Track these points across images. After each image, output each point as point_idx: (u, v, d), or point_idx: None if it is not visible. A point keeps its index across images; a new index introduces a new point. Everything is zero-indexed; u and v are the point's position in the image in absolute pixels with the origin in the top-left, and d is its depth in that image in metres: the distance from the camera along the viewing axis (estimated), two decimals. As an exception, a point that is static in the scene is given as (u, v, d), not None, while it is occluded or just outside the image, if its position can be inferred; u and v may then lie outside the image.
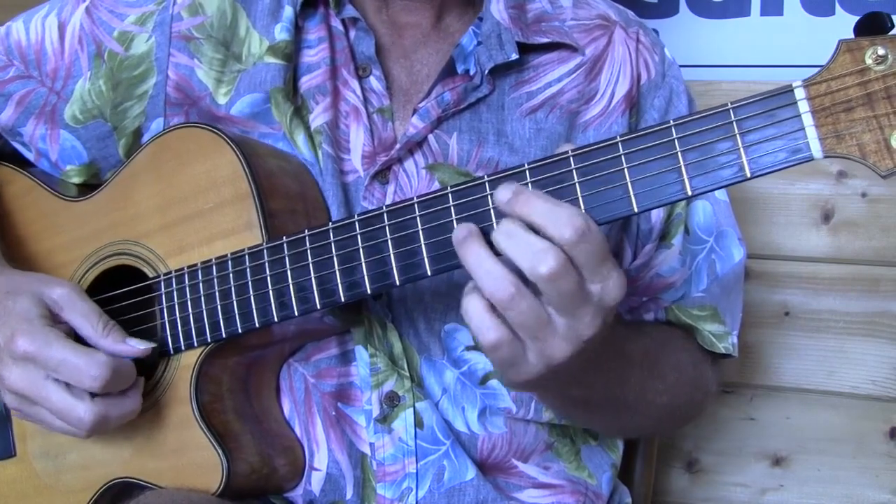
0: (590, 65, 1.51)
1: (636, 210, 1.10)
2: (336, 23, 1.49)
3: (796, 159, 1.04)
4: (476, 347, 1.43)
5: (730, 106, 1.06)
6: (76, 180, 1.57)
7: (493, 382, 1.45)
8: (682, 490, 2.15)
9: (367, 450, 1.42)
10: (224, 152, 1.36)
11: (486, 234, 1.11)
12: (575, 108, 1.49)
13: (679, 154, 1.08)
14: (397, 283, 1.21)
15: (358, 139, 1.45)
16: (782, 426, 2.07)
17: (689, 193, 1.08)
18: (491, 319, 1.11)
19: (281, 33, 1.46)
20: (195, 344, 1.36)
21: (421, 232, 1.19)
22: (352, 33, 1.49)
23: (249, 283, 1.31)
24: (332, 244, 1.25)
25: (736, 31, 2.05)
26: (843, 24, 1.95)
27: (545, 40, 1.49)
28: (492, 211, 1.15)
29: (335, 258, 1.24)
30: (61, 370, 1.28)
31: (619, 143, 1.10)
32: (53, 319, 1.34)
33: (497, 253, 1.10)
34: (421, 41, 1.50)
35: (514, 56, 1.44)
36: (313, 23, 1.49)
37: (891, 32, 1.02)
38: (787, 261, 2.04)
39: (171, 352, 1.38)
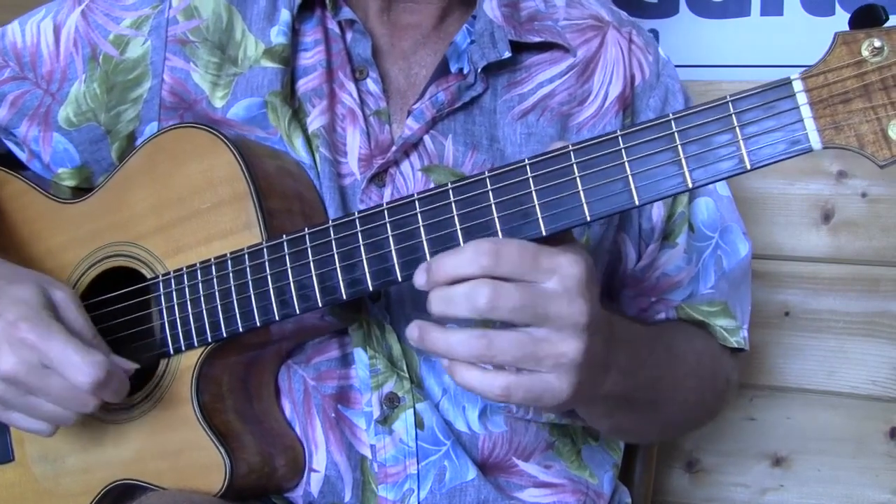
0: (581, 66, 1.51)
1: (637, 203, 1.10)
2: (332, 25, 1.49)
3: (795, 151, 1.04)
4: None
5: (728, 99, 1.06)
6: (69, 183, 1.57)
7: None
8: (682, 490, 2.15)
9: (366, 452, 1.42)
10: (221, 152, 1.35)
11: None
12: (566, 110, 1.49)
13: (679, 147, 1.08)
14: (399, 279, 1.21)
15: (354, 142, 1.45)
16: (783, 426, 2.07)
17: (690, 186, 1.08)
18: (489, 376, 1.12)
19: (277, 36, 1.46)
20: (195, 344, 1.36)
21: (422, 228, 1.19)
22: (348, 36, 1.49)
23: (250, 282, 1.31)
24: (333, 242, 1.25)
25: (736, 31, 2.05)
26: (843, 23, 1.94)
27: (538, 39, 1.49)
28: (493, 206, 1.15)
29: (336, 255, 1.24)
30: (57, 363, 1.26)
31: (619, 137, 1.10)
32: (55, 315, 1.33)
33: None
34: (420, 42, 1.50)
35: (507, 54, 1.45)
36: (309, 25, 1.49)
37: (886, 24, 1.03)
38: (787, 261, 2.04)
39: (171, 352, 1.38)
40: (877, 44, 1.02)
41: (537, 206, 1.13)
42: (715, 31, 2.06)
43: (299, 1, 1.48)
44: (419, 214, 1.19)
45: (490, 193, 1.15)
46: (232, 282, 1.32)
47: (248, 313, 1.31)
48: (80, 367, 1.25)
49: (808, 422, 2.06)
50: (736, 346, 1.58)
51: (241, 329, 1.32)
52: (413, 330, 1.15)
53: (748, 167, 1.06)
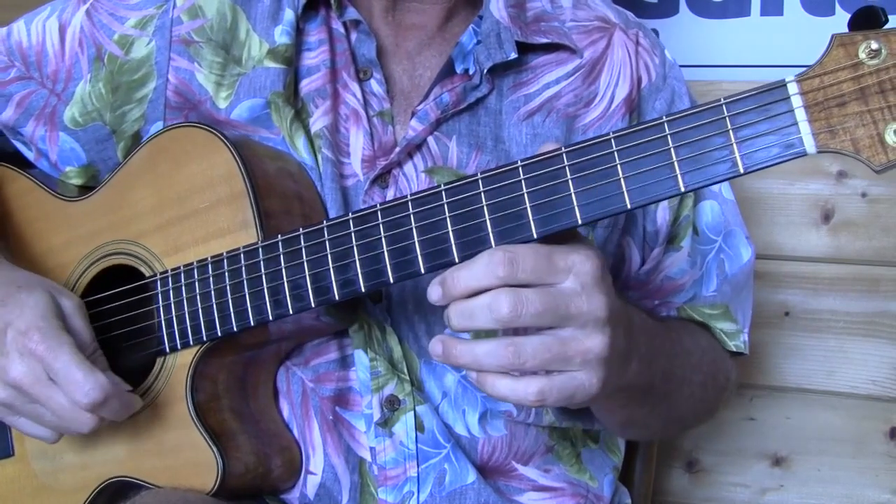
0: (588, 68, 1.50)
1: (629, 206, 1.09)
2: (337, 25, 1.49)
3: (789, 154, 1.04)
4: None
5: (722, 101, 1.06)
6: (76, 181, 1.57)
7: None
8: (682, 490, 2.15)
9: (365, 454, 1.41)
10: (220, 151, 1.35)
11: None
12: (572, 111, 1.48)
13: (672, 150, 1.07)
14: (391, 280, 1.21)
15: (358, 143, 1.45)
16: (782, 426, 2.06)
17: (682, 189, 1.07)
18: (521, 383, 1.13)
19: (281, 36, 1.46)
20: (191, 343, 1.36)
21: (415, 230, 1.18)
22: (353, 36, 1.49)
23: (245, 281, 1.31)
24: (327, 242, 1.24)
25: (736, 31, 2.05)
26: (843, 24, 1.94)
27: (544, 40, 1.48)
28: (485, 208, 1.15)
29: (329, 256, 1.24)
30: (61, 378, 1.27)
31: (612, 140, 1.10)
32: (64, 325, 1.33)
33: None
34: (425, 43, 1.50)
35: (513, 55, 1.44)
36: (314, 25, 1.49)
37: (885, 27, 1.02)
38: (787, 261, 2.03)
39: (168, 351, 1.38)
40: (874, 46, 1.01)
41: (529, 209, 1.13)
42: (715, 31, 2.05)
43: (304, 1, 1.47)
44: (412, 216, 1.19)
45: (482, 195, 1.15)
46: (227, 281, 1.32)
47: (243, 313, 1.31)
48: (80, 385, 1.26)
49: (808, 422, 2.06)
50: (735, 350, 1.58)
51: (235, 328, 1.32)
52: (436, 346, 1.16)
53: (741, 171, 1.05)
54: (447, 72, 1.46)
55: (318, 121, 1.44)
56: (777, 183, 2.01)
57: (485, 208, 1.15)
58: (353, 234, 1.22)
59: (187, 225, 1.38)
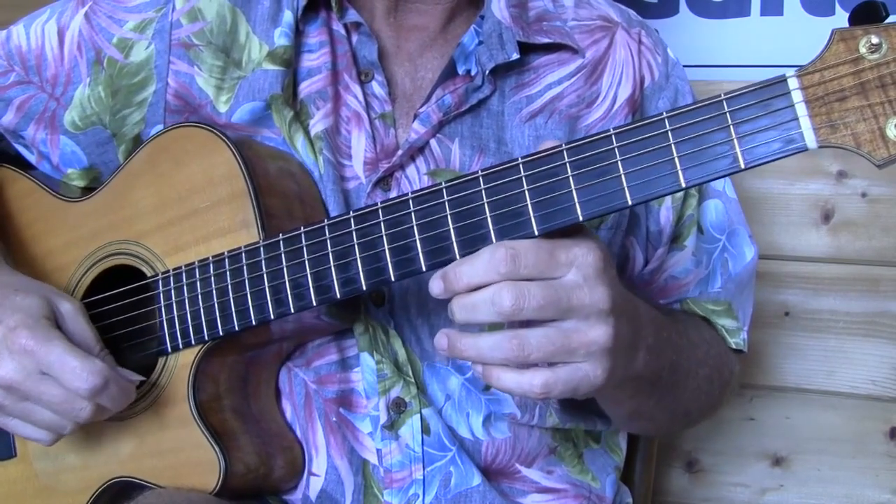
0: (590, 68, 1.50)
1: (630, 202, 1.09)
2: (338, 27, 1.48)
3: (790, 149, 1.04)
4: None
5: (723, 97, 1.06)
6: (78, 183, 1.57)
7: None
8: (682, 490, 2.14)
9: (369, 456, 1.41)
10: (221, 151, 1.35)
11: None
12: (575, 112, 1.48)
13: (672, 146, 1.07)
14: (392, 278, 1.21)
15: (360, 145, 1.44)
16: (782, 426, 2.06)
17: (683, 185, 1.07)
18: (526, 375, 1.13)
19: (280, 38, 1.46)
20: (192, 342, 1.36)
21: (416, 227, 1.19)
22: (354, 38, 1.48)
23: (246, 280, 1.31)
24: (328, 241, 1.24)
25: (736, 31, 2.05)
26: (843, 24, 1.95)
27: (546, 40, 1.48)
28: (486, 205, 1.15)
29: (330, 255, 1.24)
30: (56, 369, 1.27)
31: (613, 136, 1.10)
32: (56, 325, 1.33)
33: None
34: (427, 44, 1.50)
35: (515, 56, 1.44)
36: (314, 27, 1.48)
37: (885, 21, 1.02)
38: (787, 261, 2.03)
39: (169, 350, 1.38)
40: (874, 41, 1.01)
41: (530, 206, 1.13)
42: (715, 31, 2.05)
43: (304, 2, 1.47)
44: (413, 214, 1.19)
45: (483, 192, 1.15)
46: (229, 280, 1.32)
47: (244, 312, 1.31)
48: (78, 372, 1.26)
49: (807, 422, 2.06)
50: (735, 347, 1.58)
51: (236, 327, 1.32)
52: (442, 340, 1.16)
53: (742, 166, 1.05)
54: (449, 73, 1.46)
55: (319, 123, 1.44)
56: (777, 183, 2.02)
57: (485, 206, 1.15)
58: (354, 233, 1.22)
59: (188, 224, 1.38)
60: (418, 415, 1.40)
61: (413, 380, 1.41)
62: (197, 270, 1.36)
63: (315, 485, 1.42)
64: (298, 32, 1.47)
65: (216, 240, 1.35)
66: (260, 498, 1.41)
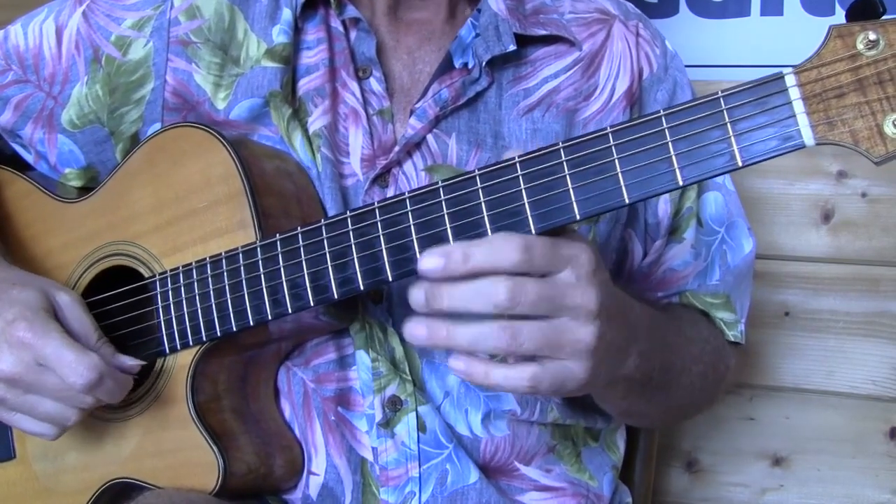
0: (587, 61, 1.50)
1: (627, 201, 1.09)
2: (336, 24, 1.48)
3: (788, 147, 1.03)
4: None
5: (720, 94, 1.05)
6: (75, 183, 1.57)
7: None
8: (681, 490, 2.14)
9: (367, 454, 1.41)
10: (217, 151, 1.35)
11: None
12: (572, 105, 1.49)
13: (669, 144, 1.07)
14: (390, 278, 1.20)
15: (357, 142, 1.44)
16: (782, 426, 2.06)
17: (680, 183, 1.07)
18: (515, 370, 1.12)
19: (279, 35, 1.46)
20: (190, 343, 1.36)
21: (413, 227, 1.18)
22: (352, 34, 1.48)
23: (243, 281, 1.31)
24: (325, 241, 1.24)
25: (736, 31, 2.04)
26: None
27: (543, 32, 1.48)
28: (483, 204, 1.15)
29: (328, 255, 1.24)
30: (52, 362, 1.27)
31: (610, 135, 1.10)
32: (55, 317, 1.33)
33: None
34: (426, 38, 1.50)
35: (512, 47, 1.44)
36: (312, 24, 1.48)
37: (883, 17, 1.01)
38: (787, 261, 2.03)
39: (167, 351, 1.38)
40: (872, 37, 1.00)
41: (527, 205, 1.13)
42: (715, 31, 2.05)
43: (302, 0, 1.47)
44: (410, 213, 1.18)
45: (480, 191, 1.15)
46: (226, 281, 1.32)
47: (242, 312, 1.31)
48: (73, 367, 1.26)
49: (807, 422, 2.05)
50: (733, 339, 1.58)
51: (234, 328, 1.32)
52: (418, 328, 1.13)
53: (740, 164, 1.05)
54: (445, 66, 1.46)
55: (317, 120, 1.44)
56: (777, 183, 2.01)
57: (482, 205, 1.15)
58: (351, 233, 1.22)
59: (186, 225, 1.38)
60: (414, 412, 1.40)
61: (410, 377, 1.41)
62: (194, 271, 1.36)
63: (315, 483, 1.42)
64: (297, 30, 1.47)
65: (213, 240, 1.35)
66: (259, 498, 1.41)
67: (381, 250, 1.20)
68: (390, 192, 1.42)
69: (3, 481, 1.52)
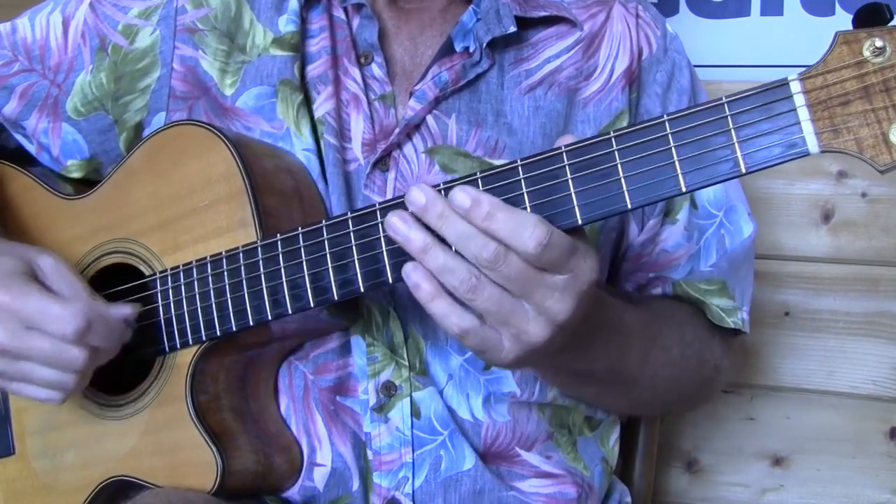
0: (587, 41, 1.51)
1: (630, 206, 1.09)
2: (338, 12, 1.50)
3: (792, 154, 1.03)
4: None
5: (724, 100, 1.05)
6: (77, 175, 1.58)
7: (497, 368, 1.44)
8: (681, 490, 2.14)
9: (365, 439, 1.42)
10: (219, 150, 1.36)
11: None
12: (574, 84, 1.49)
13: (673, 149, 1.07)
14: (390, 280, 1.21)
15: (358, 127, 1.45)
16: (782, 426, 2.06)
17: (683, 189, 1.07)
18: (456, 312, 1.13)
19: (287, 25, 1.47)
20: (190, 342, 1.36)
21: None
22: (355, 21, 1.50)
23: (244, 280, 1.31)
24: (326, 241, 1.25)
25: (736, 31, 2.04)
26: (844, 24, 1.92)
27: (544, 13, 1.49)
28: None
29: (328, 256, 1.24)
30: (38, 319, 1.28)
31: (613, 139, 1.10)
32: (35, 279, 1.34)
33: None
34: (427, 24, 1.50)
35: (512, 29, 1.45)
36: (315, 13, 1.50)
37: (890, 24, 1.01)
38: (787, 261, 2.03)
39: (167, 350, 1.38)
40: (878, 44, 1.00)
41: (528, 208, 1.13)
42: (715, 31, 2.05)
43: None
44: None
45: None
46: (226, 280, 1.33)
47: (242, 312, 1.31)
48: (60, 316, 1.27)
49: (807, 422, 2.05)
50: (733, 326, 1.56)
51: (234, 328, 1.32)
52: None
53: (743, 171, 1.05)
54: (446, 50, 1.47)
55: (321, 107, 1.45)
56: (777, 183, 2.01)
57: None
58: (351, 234, 1.23)
59: (186, 223, 1.39)
60: (408, 398, 1.41)
61: (406, 362, 1.42)
62: (195, 270, 1.36)
63: (321, 474, 1.42)
64: (302, 19, 1.49)
65: (214, 239, 1.35)
66: (257, 498, 1.41)
67: (382, 252, 1.20)
68: (391, 176, 1.43)
69: (3, 478, 1.53)
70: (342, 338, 1.43)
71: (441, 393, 1.43)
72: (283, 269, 1.28)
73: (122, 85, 1.51)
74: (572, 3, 1.53)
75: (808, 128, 1.02)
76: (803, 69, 1.04)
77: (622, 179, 1.09)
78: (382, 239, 1.20)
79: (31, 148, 1.59)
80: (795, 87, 1.03)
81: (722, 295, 1.56)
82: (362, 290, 1.23)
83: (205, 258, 1.35)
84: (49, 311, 1.28)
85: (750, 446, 2.09)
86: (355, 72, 1.47)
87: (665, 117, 1.08)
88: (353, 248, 1.22)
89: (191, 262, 1.36)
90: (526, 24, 1.48)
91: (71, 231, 1.51)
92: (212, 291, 1.34)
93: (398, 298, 1.42)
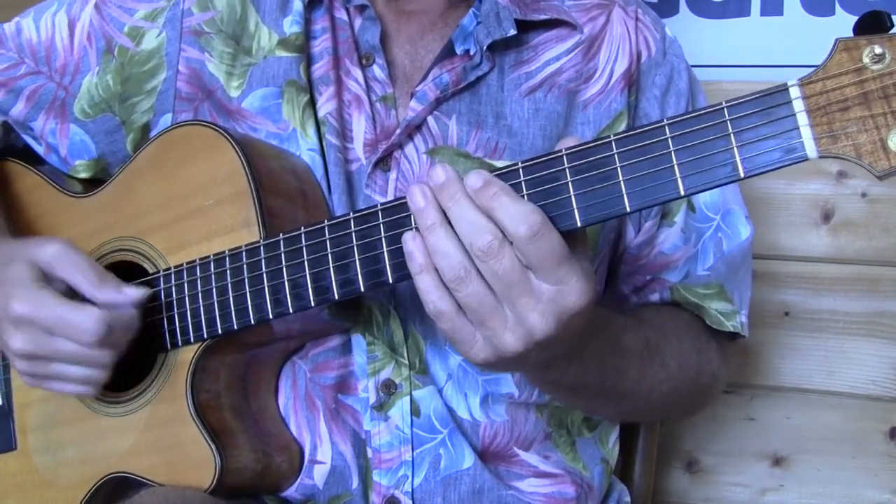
0: (587, 44, 1.52)
1: (628, 209, 1.09)
2: (340, 13, 1.50)
3: (791, 159, 1.03)
4: None
5: (724, 105, 1.05)
6: (85, 175, 1.58)
7: None
8: (681, 490, 2.14)
9: (365, 437, 1.43)
10: (225, 150, 1.36)
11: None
12: (574, 87, 1.50)
13: (672, 153, 1.07)
14: (390, 280, 1.21)
15: (360, 128, 1.46)
16: (782, 426, 2.06)
17: (682, 193, 1.07)
18: (436, 294, 1.13)
19: (291, 26, 1.48)
20: (192, 340, 1.37)
21: (415, 230, 1.18)
22: (357, 22, 1.50)
23: (246, 279, 1.32)
24: (328, 241, 1.25)
25: (736, 31, 2.04)
26: (843, 24, 1.94)
27: (544, 17, 1.50)
28: None
29: (330, 256, 1.25)
30: (58, 328, 1.30)
31: (613, 142, 1.10)
32: (47, 280, 1.35)
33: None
34: (427, 28, 1.51)
35: (512, 31, 1.45)
36: (318, 14, 1.51)
37: (890, 31, 1.01)
38: (787, 261, 2.03)
39: (169, 347, 1.39)
40: (878, 51, 1.00)
41: None
42: (715, 31, 2.05)
43: None
44: (413, 216, 1.18)
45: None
46: (229, 279, 1.33)
47: (243, 311, 1.32)
48: (79, 327, 1.30)
49: (807, 422, 2.05)
50: (732, 330, 1.56)
51: (235, 326, 1.33)
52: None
53: (742, 175, 1.05)
54: (446, 53, 1.47)
55: (323, 107, 1.46)
56: (777, 183, 2.01)
57: None
58: (353, 234, 1.23)
59: (191, 223, 1.39)
60: (408, 397, 1.42)
61: (406, 361, 1.42)
62: (198, 268, 1.37)
63: (321, 472, 1.43)
64: (305, 20, 1.49)
65: (218, 238, 1.36)
66: (256, 497, 1.42)
67: (383, 252, 1.21)
68: (392, 176, 1.44)
69: (4, 472, 1.54)
70: (343, 336, 1.43)
71: (441, 392, 1.44)
72: (284, 269, 1.28)
73: (129, 87, 1.51)
74: (572, 6, 1.53)
75: (806, 133, 1.02)
76: (803, 74, 1.04)
77: (622, 182, 1.09)
78: (384, 239, 1.20)
79: (40, 149, 1.60)
80: (795, 92, 1.03)
81: (720, 298, 1.56)
82: (363, 289, 1.23)
83: (208, 257, 1.36)
84: (68, 318, 1.30)
85: (750, 446, 2.09)
86: (357, 73, 1.47)
87: (665, 121, 1.08)
88: (355, 248, 1.23)
89: (194, 261, 1.37)
90: (526, 27, 1.49)
91: (77, 228, 1.52)
92: (214, 290, 1.35)
93: (399, 298, 1.42)
